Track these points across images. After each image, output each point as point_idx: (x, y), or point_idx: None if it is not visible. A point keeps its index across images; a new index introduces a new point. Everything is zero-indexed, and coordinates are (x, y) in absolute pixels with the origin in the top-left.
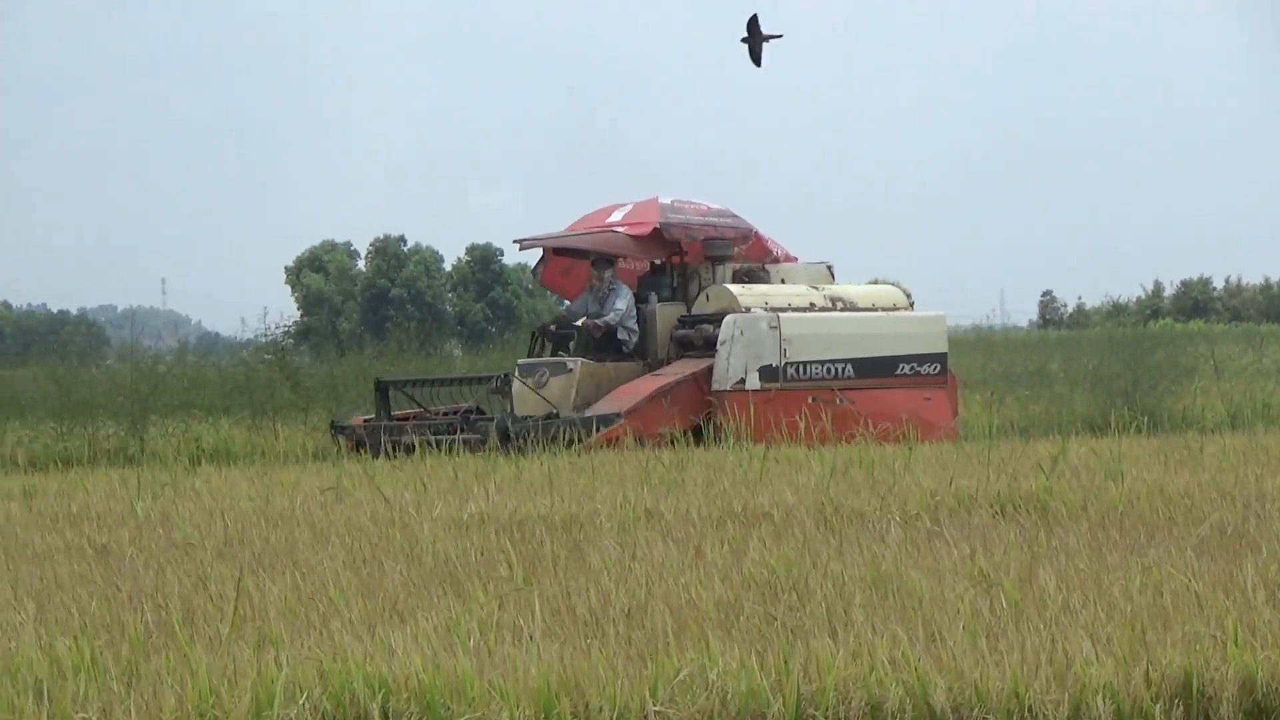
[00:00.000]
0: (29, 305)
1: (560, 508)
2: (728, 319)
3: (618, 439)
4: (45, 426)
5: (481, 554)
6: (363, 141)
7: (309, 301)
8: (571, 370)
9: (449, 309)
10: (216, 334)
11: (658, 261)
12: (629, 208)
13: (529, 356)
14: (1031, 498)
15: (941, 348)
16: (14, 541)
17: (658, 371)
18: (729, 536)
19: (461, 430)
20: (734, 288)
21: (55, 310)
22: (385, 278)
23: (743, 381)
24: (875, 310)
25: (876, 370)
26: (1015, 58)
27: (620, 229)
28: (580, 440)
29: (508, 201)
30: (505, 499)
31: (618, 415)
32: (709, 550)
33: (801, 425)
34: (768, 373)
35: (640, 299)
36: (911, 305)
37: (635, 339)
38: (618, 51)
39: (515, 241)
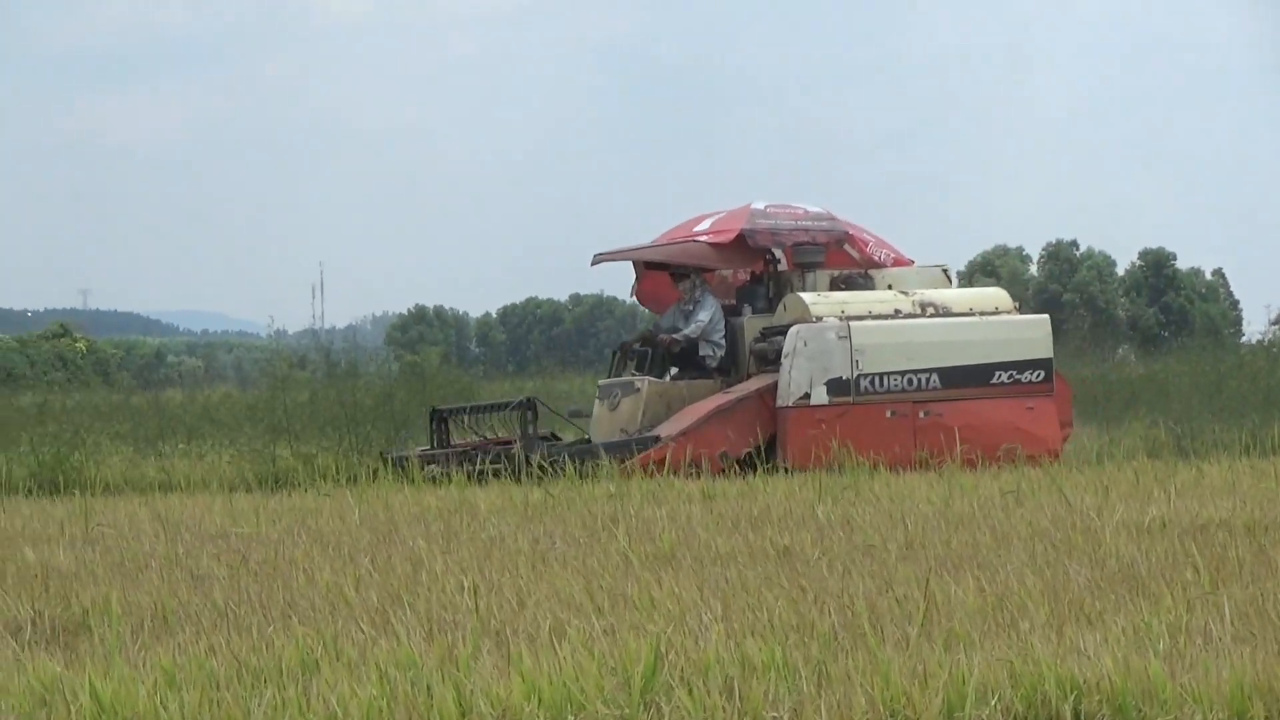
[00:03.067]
0: None
1: (1243, 512)
2: (792, 329)
3: (661, 463)
4: None
5: (1165, 558)
6: (1035, 142)
7: None
8: (639, 390)
9: (1121, 314)
10: None
11: (753, 271)
12: (720, 215)
13: (610, 376)
14: None
15: (1045, 353)
16: (697, 543)
17: (730, 389)
18: None
19: (483, 460)
20: (807, 296)
21: None
22: (1057, 283)
23: (807, 396)
24: (973, 315)
25: (968, 380)
26: None
27: (703, 238)
28: (613, 466)
29: (1178, 202)
30: (1186, 503)
31: (656, 438)
32: None
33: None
34: (837, 386)
35: (735, 311)
36: (1018, 308)
37: (721, 354)
38: None
39: (594, 258)
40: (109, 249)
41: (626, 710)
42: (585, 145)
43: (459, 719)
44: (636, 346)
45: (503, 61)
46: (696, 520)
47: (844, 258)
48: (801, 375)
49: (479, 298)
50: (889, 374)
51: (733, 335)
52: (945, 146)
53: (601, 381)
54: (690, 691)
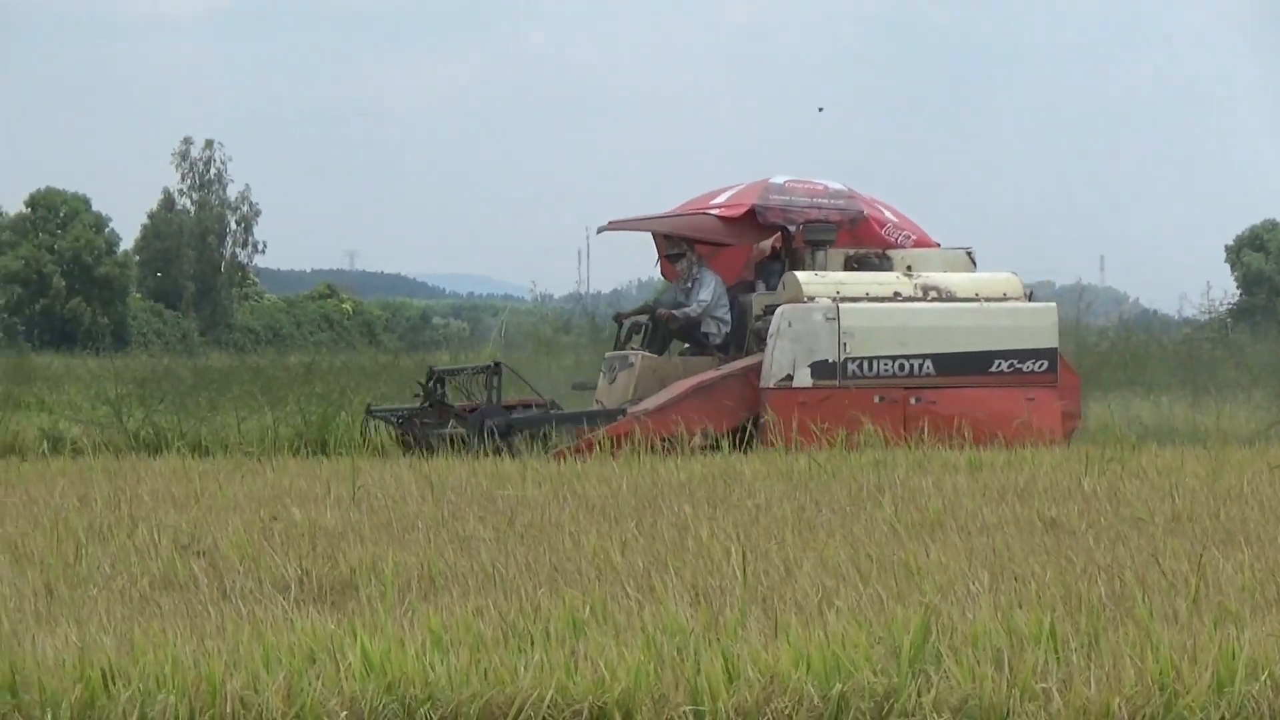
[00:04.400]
0: None
1: None
2: (779, 309)
3: (626, 436)
4: None
5: None
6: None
7: (1248, 280)
8: (632, 365)
9: None
10: (1154, 311)
11: (774, 247)
12: (739, 188)
13: (615, 348)
14: None
15: (1050, 342)
16: (964, 512)
17: (722, 367)
18: None
19: (447, 425)
20: (802, 275)
21: None
22: None
23: (790, 378)
24: (977, 300)
25: (964, 367)
26: None
27: (715, 211)
28: (573, 439)
29: None
30: None
31: (622, 411)
32: None
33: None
34: (822, 369)
35: (751, 287)
36: (1030, 295)
37: (726, 331)
38: None
39: (600, 228)
40: (377, 211)
41: (895, 679)
42: (852, 115)
43: (726, 685)
44: (637, 319)
45: (773, 30)
46: (963, 490)
47: (870, 237)
48: (784, 356)
49: None
50: (879, 358)
51: (740, 313)
52: (1218, 117)
53: (607, 354)
54: (959, 661)
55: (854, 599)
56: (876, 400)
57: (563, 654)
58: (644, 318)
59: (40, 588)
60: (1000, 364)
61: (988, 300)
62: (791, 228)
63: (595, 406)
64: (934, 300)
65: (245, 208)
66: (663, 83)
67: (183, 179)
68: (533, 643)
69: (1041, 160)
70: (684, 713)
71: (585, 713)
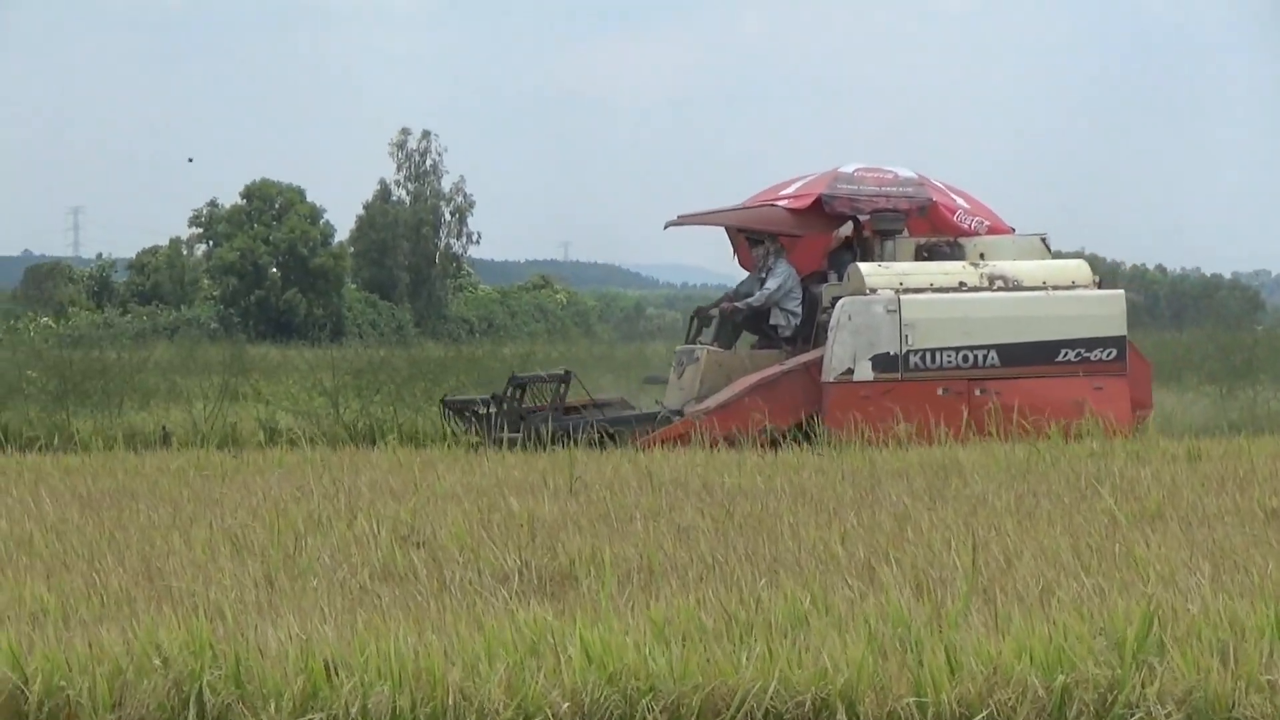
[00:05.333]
0: (1182, 269)
1: None
2: (839, 302)
3: (684, 438)
4: (1204, 390)
5: None
6: None
7: None
8: (698, 359)
9: None
10: None
11: (848, 237)
12: (809, 178)
13: (686, 342)
14: None
15: (1118, 330)
16: (1184, 503)
17: (786, 362)
18: None
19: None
20: (865, 267)
21: (1209, 274)
22: None
23: (850, 372)
24: (1044, 289)
25: (1030, 357)
26: None
27: (783, 202)
28: (619, 441)
29: None
30: None
31: (679, 413)
32: None
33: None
34: (883, 362)
35: (823, 278)
36: (1098, 283)
37: (796, 323)
38: None
39: (667, 223)
40: (591, 201)
41: (1118, 671)
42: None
43: (949, 677)
44: (711, 313)
45: (993, 20)
46: (1182, 480)
47: (942, 224)
48: (844, 350)
49: None
50: (942, 350)
51: (811, 304)
52: None
53: (678, 348)
54: (1183, 653)
55: (1075, 590)
56: (940, 393)
57: (784, 645)
58: (716, 311)
59: (260, 578)
60: (1067, 353)
61: (1055, 289)
62: (860, 217)
63: (658, 405)
64: (1000, 289)
65: (460, 199)
66: (875, 71)
67: (399, 169)
68: (755, 635)
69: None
70: (907, 705)
71: (807, 704)
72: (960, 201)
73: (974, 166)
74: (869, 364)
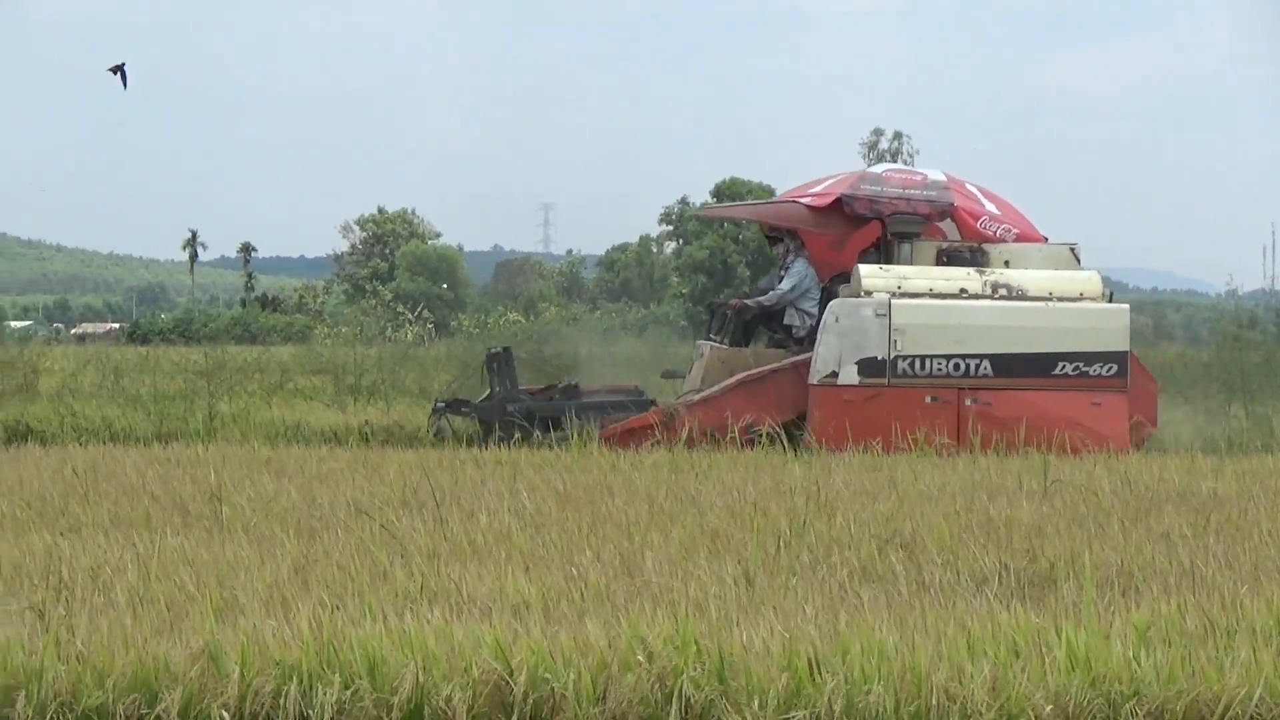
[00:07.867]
0: None
1: None
2: (829, 304)
3: (645, 429)
4: None
5: None
6: None
7: None
8: (703, 355)
9: None
10: None
11: (876, 238)
12: (838, 177)
13: (707, 336)
14: None
15: (1120, 345)
16: None
17: (783, 361)
18: None
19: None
20: (865, 269)
21: None
22: None
23: (835, 375)
24: (1048, 300)
25: (1025, 369)
26: None
27: (805, 200)
28: (582, 431)
29: None
30: None
31: (652, 402)
32: None
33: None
34: (869, 366)
35: (845, 279)
36: (1109, 296)
37: (810, 323)
38: None
39: (692, 215)
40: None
41: None
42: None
43: None
44: (726, 310)
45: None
46: None
47: (964, 229)
48: (830, 352)
49: None
50: (931, 356)
51: (826, 304)
52: None
53: (698, 341)
54: None
55: None
56: (928, 400)
57: (1269, 652)
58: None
59: (740, 576)
60: (1064, 366)
61: (1060, 300)
62: (883, 218)
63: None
64: (1002, 298)
65: None
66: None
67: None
68: (1236, 640)
69: None
70: None
71: None
72: (990, 208)
73: None
74: (854, 368)
